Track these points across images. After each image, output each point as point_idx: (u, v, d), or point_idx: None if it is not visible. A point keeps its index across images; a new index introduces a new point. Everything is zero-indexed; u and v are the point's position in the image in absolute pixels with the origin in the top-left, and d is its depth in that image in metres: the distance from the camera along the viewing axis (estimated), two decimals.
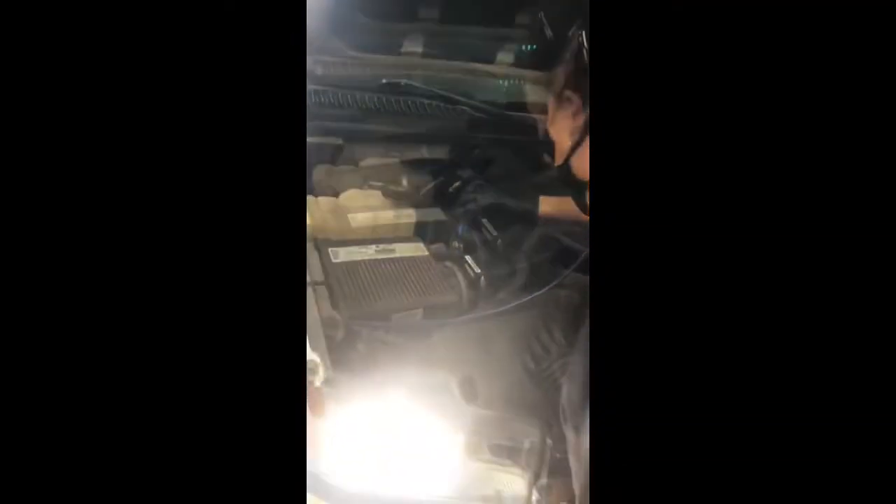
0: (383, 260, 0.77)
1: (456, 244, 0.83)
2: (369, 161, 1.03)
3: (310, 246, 0.79)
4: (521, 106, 1.18)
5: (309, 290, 0.71)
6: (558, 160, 0.57)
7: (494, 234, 0.77)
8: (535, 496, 0.50)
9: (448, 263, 0.80)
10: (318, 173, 0.96)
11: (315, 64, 1.05)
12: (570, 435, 0.43)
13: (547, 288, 0.69)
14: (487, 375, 0.61)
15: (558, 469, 0.53)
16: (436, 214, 0.95)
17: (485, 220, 0.79)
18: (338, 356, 0.61)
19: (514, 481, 0.52)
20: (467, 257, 0.80)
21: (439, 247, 0.85)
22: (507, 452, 0.55)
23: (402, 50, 1.08)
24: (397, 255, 0.79)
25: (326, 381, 0.59)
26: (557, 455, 0.54)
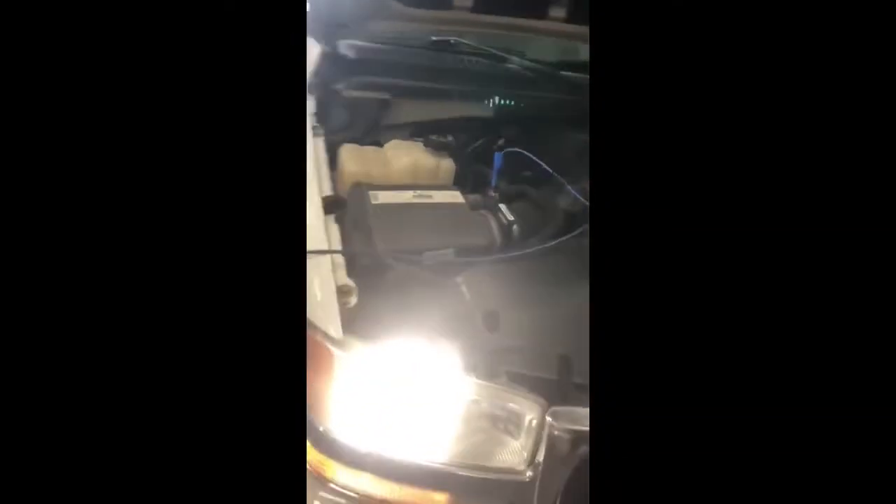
0: (420, 204, 0.80)
1: (492, 193, 0.84)
2: (413, 118, 1.05)
3: (352, 189, 0.82)
4: (573, 65, 1.15)
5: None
6: None
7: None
8: (548, 420, 0.51)
9: (483, 211, 0.81)
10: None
11: (365, 19, 1.08)
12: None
13: (570, 235, 0.69)
14: (511, 310, 0.62)
15: (571, 397, 0.54)
16: (475, 167, 0.95)
17: (502, 206, 0.80)
18: (369, 282, 0.65)
19: (531, 407, 0.53)
20: (502, 206, 0.81)
21: (476, 196, 0.86)
22: (524, 380, 0.56)
23: (453, 4, 1.08)
24: (434, 200, 0.81)
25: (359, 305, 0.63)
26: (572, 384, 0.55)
